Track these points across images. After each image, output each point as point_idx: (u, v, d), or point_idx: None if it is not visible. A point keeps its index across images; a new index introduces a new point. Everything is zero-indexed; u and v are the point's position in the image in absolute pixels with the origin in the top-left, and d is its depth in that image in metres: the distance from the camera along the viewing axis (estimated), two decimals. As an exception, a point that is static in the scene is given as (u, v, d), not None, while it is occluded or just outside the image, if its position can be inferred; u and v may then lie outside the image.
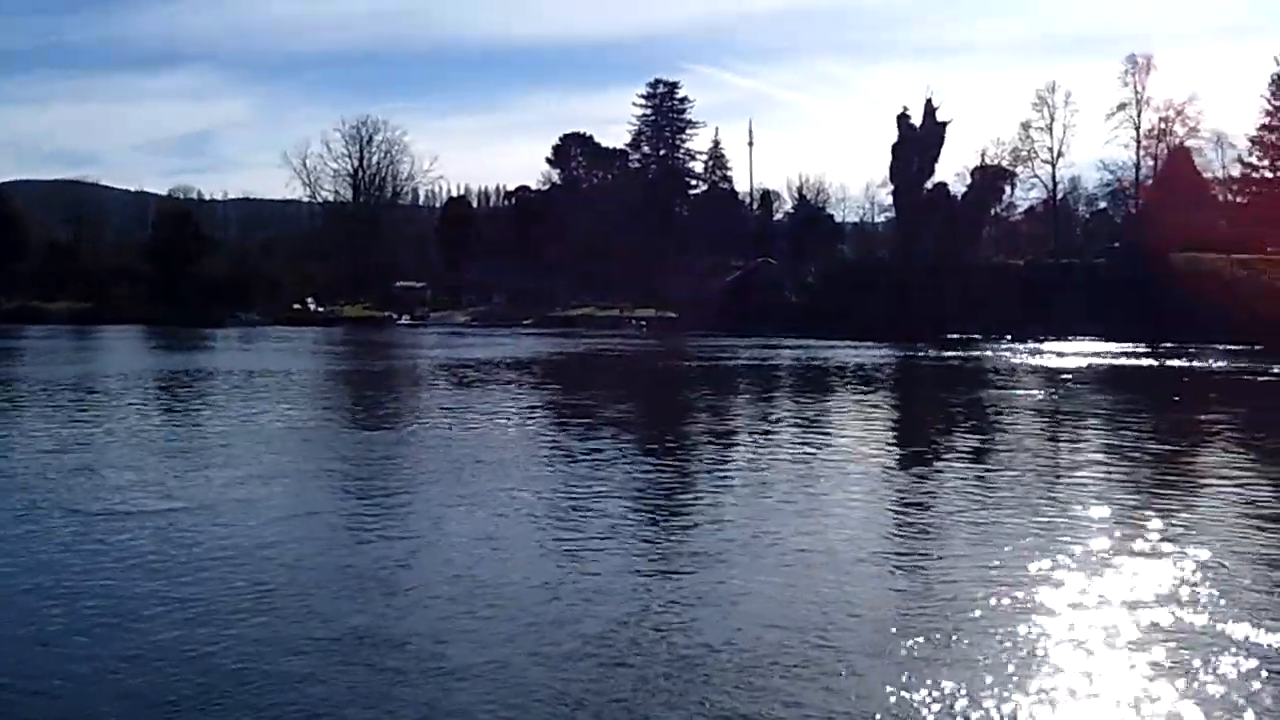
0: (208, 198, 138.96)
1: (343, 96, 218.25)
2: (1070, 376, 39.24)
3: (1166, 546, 12.14)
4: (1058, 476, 17.76)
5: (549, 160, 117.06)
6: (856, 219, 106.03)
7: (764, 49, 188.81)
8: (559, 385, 36.89)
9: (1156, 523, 13.37)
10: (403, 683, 8.07)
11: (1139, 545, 12.23)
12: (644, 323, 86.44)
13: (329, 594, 10.34)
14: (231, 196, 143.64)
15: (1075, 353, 52.92)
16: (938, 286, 76.11)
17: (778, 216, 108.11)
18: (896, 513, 14.52)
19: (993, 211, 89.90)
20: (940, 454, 20.66)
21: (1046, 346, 58.33)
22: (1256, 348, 54.09)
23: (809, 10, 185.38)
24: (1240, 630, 9.24)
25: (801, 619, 9.62)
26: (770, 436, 22.77)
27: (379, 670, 8.33)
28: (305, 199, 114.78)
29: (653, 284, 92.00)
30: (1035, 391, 33.55)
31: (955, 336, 65.91)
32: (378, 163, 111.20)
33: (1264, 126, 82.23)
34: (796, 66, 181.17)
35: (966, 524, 13.60)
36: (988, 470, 18.35)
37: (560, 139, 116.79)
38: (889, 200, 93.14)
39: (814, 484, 16.50)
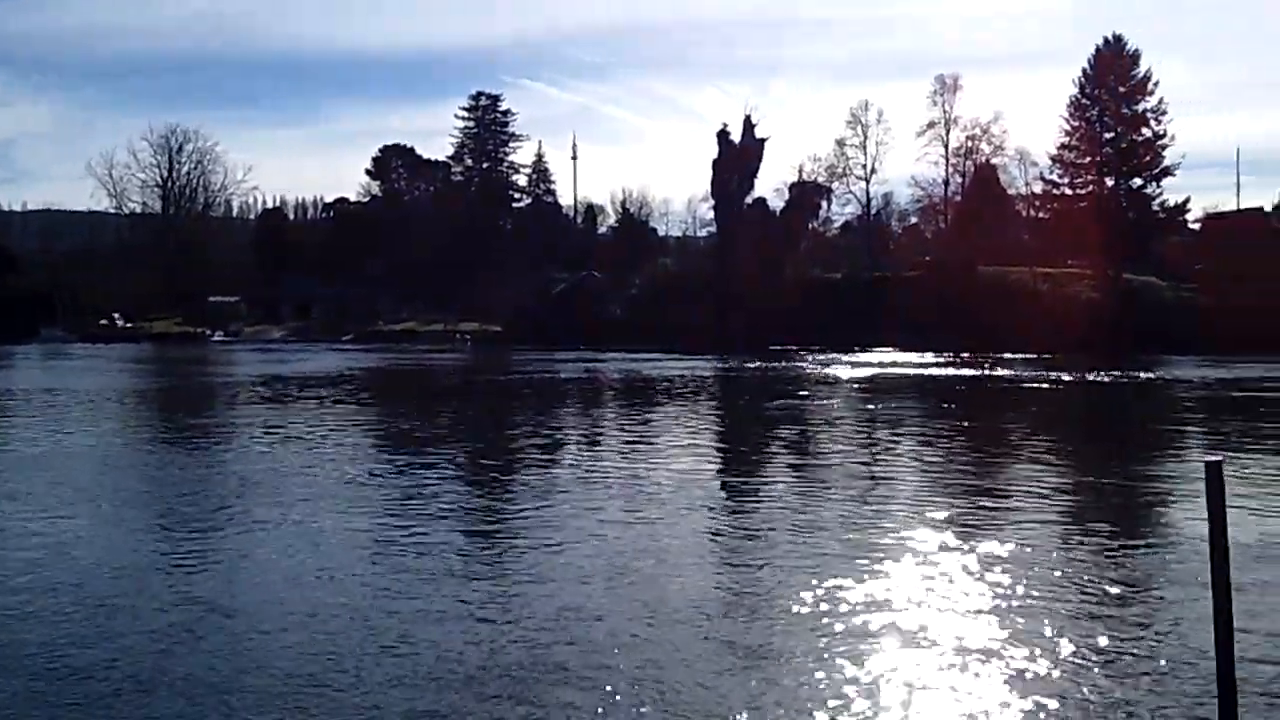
0: (5, 209, 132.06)
1: (152, 105, 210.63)
2: (865, 386, 40.61)
3: (908, 536, 12.45)
4: (824, 477, 18.14)
5: (369, 172, 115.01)
6: (679, 233, 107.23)
7: (587, 64, 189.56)
8: (374, 402, 36.12)
9: (888, 517, 13.81)
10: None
11: (858, 530, 12.49)
12: (468, 337, 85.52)
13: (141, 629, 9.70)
14: (32, 208, 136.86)
15: (881, 363, 54.49)
16: (758, 299, 77.32)
17: (601, 230, 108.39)
18: (710, 520, 14.57)
19: (810, 226, 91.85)
20: (742, 461, 21.11)
21: (858, 358, 59.90)
22: (1045, 357, 56.56)
23: (631, 27, 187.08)
24: (1027, 618, 9.49)
25: (625, 623, 9.49)
26: (585, 449, 22.72)
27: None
28: (112, 210, 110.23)
29: (477, 298, 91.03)
30: (831, 400, 34.60)
31: (775, 348, 67.06)
32: (188, 173, 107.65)
33: (1063, 145, 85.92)
34: (619, 82, 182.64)
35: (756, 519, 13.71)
36: (776, 474, 18.70)
37: (380, 151, 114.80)
38: (710, 214, 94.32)
39: (632, 494, 16.41)
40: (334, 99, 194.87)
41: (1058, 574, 11.39)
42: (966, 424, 28.20)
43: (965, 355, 59.04)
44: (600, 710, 7.78)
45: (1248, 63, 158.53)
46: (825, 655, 8.91)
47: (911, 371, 48.36)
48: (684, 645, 9.24)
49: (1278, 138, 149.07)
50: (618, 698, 7.98)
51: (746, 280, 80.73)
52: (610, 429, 27.69)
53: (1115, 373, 45.16)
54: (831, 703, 7.88)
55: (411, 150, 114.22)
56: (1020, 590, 10.76)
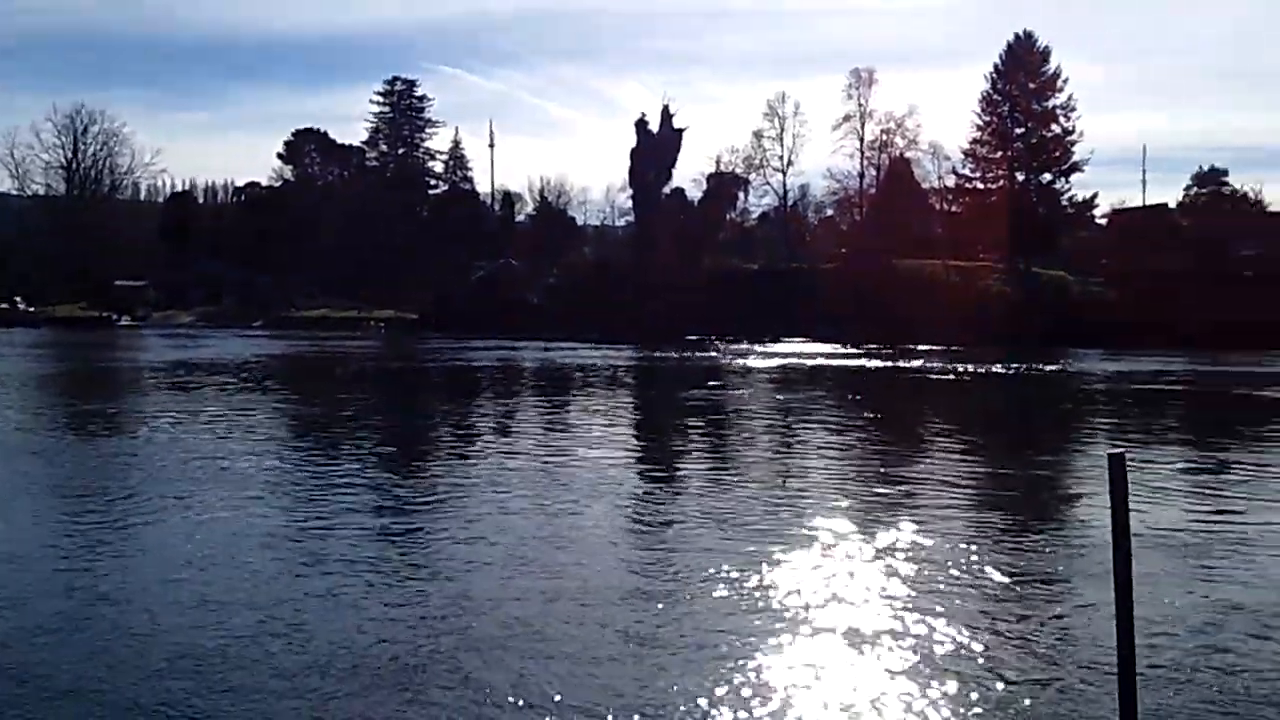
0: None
1: (57, 85, 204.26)
2: (778, 376, 40.88)
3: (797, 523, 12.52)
4: (734, 463, 18.18)
5: (281, 156, 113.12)
6: (598, 222, 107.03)
7: (505, 52, 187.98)
8: (281, 389, 35.46)
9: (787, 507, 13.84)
10: None
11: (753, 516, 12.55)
12: (383, 324, 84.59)
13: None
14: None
15: (795, 354, 54.82)
16: (675, 289, 77.47)
17: (519, 218, 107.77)
18: (618, 509, 14.47)
19: (727, 217, 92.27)
20: (652, 450, 21.18)
21: (773, 348, 60.23)
22: (954, 349, 57.41)
23: (550, 15, 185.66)
24: (934, 600, 9.51)
25: (520, 611, 9.38)
26: (495, 437, 22.56)
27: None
28: (14, 192, 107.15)
29: (392, 285, 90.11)
30: (744, 390, 34.66)
31: (692, 338, 67.21)
32: (94, 155, 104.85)
33: (975, 140, 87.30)
34: (538, 71, 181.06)
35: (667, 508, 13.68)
36: (685, 463, 18.74)
37: (293, 134, 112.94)
38: (629, 204, 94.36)
39: (540, 483, 16.27)
40: (246, 81, 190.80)
41: (960, 563, 11.45)
42: (873, 414, 28.45)
43: (877, 346, 59.66)
44: (481, 697, 7.66)
45: (1154, 62, 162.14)
46: (720, 643, 8.84)
47: (824, 362, 48.73)
48: (579, 633, 9.13)
49: (1182, 136, 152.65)
50: (500, 685, 7.86)
51: (664, 270, 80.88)
52: (522, 417, 27.54)
53: (1019, 365, 45.93)
54: (719, 689, 7.82)
55: (325, 135, 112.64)
56: (921, 579, 10.79)
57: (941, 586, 10.57)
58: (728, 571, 10.98)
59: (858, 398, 33.19)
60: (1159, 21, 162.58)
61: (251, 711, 7.46)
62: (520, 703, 7.58)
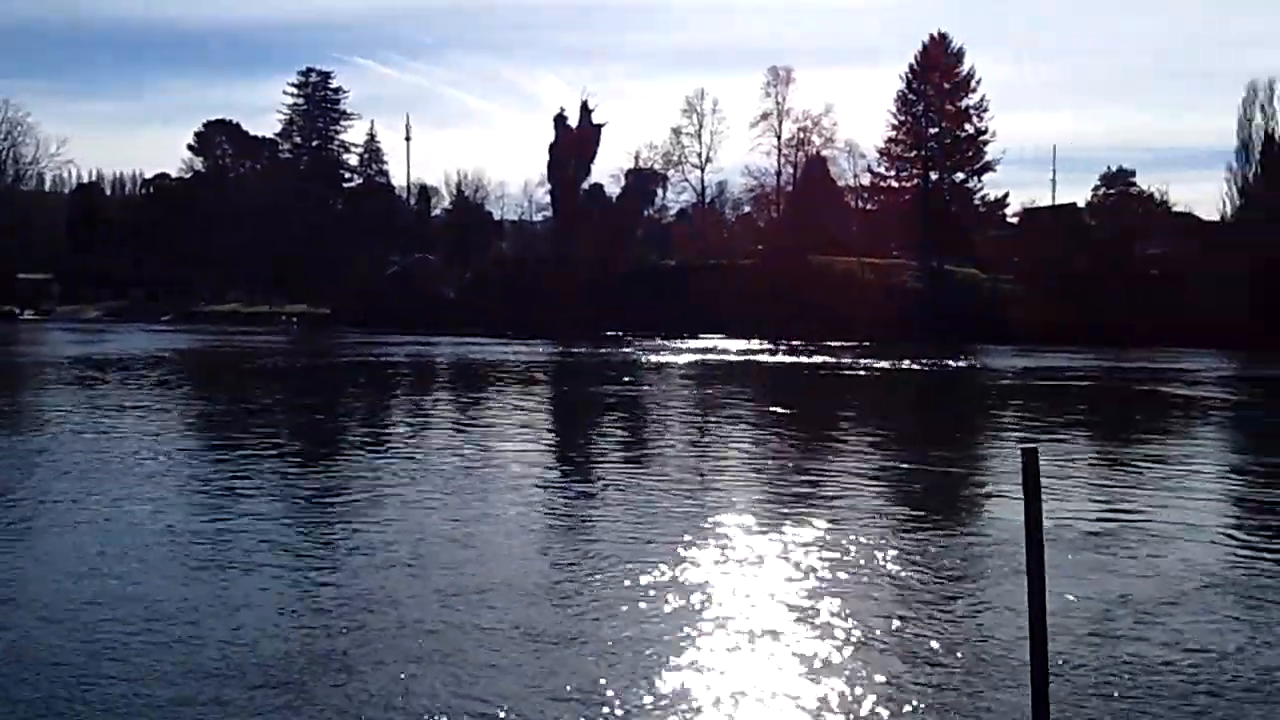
0: None
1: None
2: (694, 372, 41.09)
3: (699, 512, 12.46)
4: (640, 455, 18.10)
5: (192, 148, 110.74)
6: (515, 217, 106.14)
7: (423, 44, 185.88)
8: (184, 384, 34.70)
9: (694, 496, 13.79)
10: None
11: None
12: (295, 319, 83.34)
13: None
14: None
15: (711, 350, 55.02)
16: (594, 285, 77.29)
17: (436, 212, 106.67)
18: (526, 506, 14.27)
19: (646, 213, 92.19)
20: (564, 447, 21.11)
21: (690, 344, 60.35)
22: (865, 345, 58.02)
23: (469, 8, 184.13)
24: (847, 597, 9.50)
25: (420, 610, 9.15)
26: (405, 434, 22.24)
27: None
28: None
29: (306, 279, 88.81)
30: (659, 386, 34.80)
31: (609, 334, 67.11)
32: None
33: (890, 139, 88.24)
34: (456, 64, 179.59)
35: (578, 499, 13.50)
36: (596, 460, 18.69)
37: (204, 126, 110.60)
38: (547, 199, 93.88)
39: (449, 480, 15.99)
40: (155, 71, 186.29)
41: (870, 559, 11.46)
42: (783, 410, 28.57)
43: (792, 343, 60.05)
44: (366, 698, 7.46)
45: (1065, 64, 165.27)
46: (619, 640, 8.74)
47: (738, 358, 48.89)
48: (478, 631, 8.96)
49: (1091, 137, 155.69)
50: (387, 686, 7.67)
51: (582, 266, 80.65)
52: (430, 414, 27.21)
53: (929, 361, 46.48)
54: (611, 687, 7.70)
55: (237, 126, 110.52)
56: (830, 575, 10.80)
57: (845, 580, 10.61)
58: (633, 568, 10.92)
59: (770, 392, 33.32)
60: (1071, 24, 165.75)
61: (131, 714, 7.18)
62: (405, 704, 7.39)
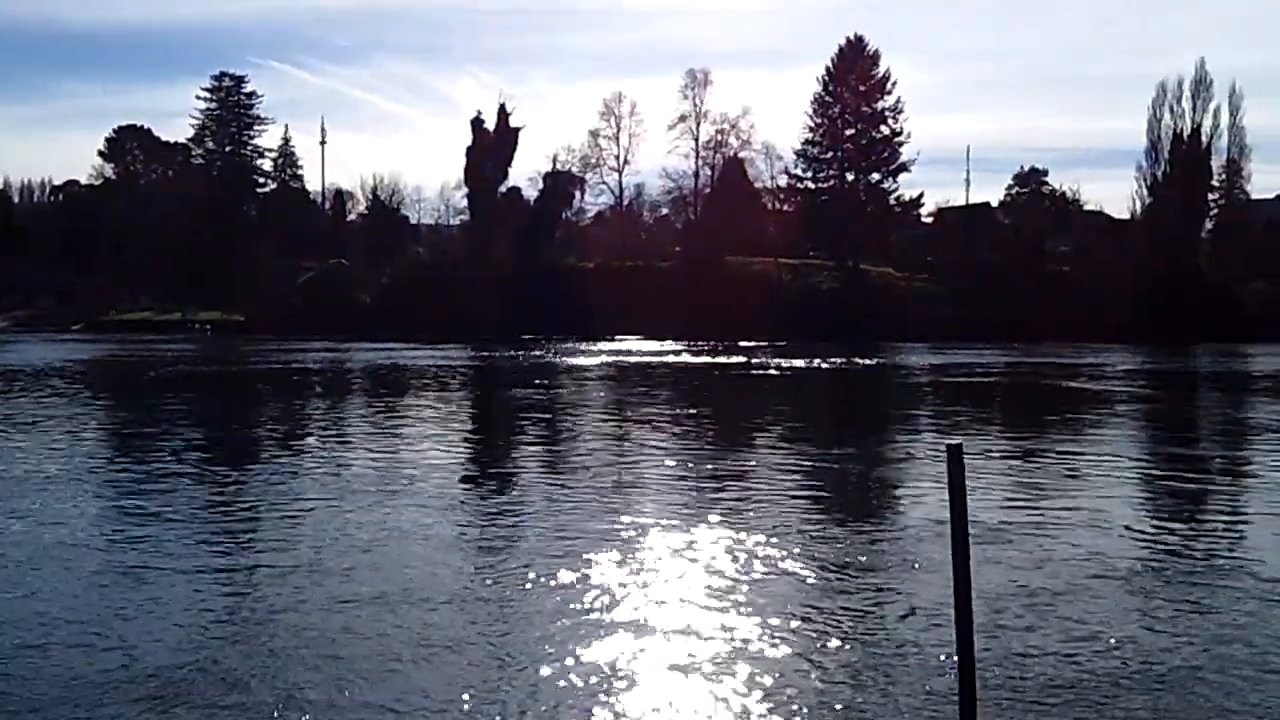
0: None
1: None
2: (612, 374, 41.27)
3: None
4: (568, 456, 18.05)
5: (102, 154, 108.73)
6: (432, 221, 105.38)
7: (337, 47, 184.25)
8: (88, 395, 33.87)
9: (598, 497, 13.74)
10: None
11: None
12: (208, 327, 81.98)
13: None
14: None
15: (628, 351, 55.08)
16: (512, 288, 76.99)
17: (351, 217, 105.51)
18: (436, 514, 14.05)
19: (564, 215, 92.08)
20: (478, 452, 20.90)
21: (606, 346, 60.32)
22: (779, 344, 58.44)
23: (384, 11, 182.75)
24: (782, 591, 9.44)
25: (311, 620, 8.94)
26: (311, 441, 21.88)
27: None
28: None
29: (220, 286, 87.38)
30: (577, 389, 34.88)
31: (527, 337, 66.86)
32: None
33: (807, 141, 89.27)
34: (371, 67, 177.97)
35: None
36: (511, 464, 18.55)
37: (115, 131, 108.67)
38: (464, 203, 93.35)
39: (356, 488, 15.75)
40: (65, 75, 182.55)
41: (791, 559, 11.41)
42: (691, 411, 28.66)
43: (707, 343, 60.31)
44: (257, 704, 7.28)
45: (979, 66, 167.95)
46: (519, 646, 8.64)
47: (655, 360, 48.93)
48: (373, 640, 8.78)
49: (1005, 137, 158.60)
50: (274, 696, 7.48)
51: (499, 269, 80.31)
52: (339, 421, 26.84)
53: (840, 360, 46.93)
54: (509, 695, 7.60)
55: (148, 131, 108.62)
56: (737, 575, 10.73)
57: (758, 580, 10.54)
58: (536, 574, 10.78)
59: (685, 393, 33.42)
60: (984, 27, 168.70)
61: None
62: (292, 714, 7.20)
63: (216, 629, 9.06)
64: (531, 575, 10.66)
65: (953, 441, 5.60)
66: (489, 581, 10.59)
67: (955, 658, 5.67)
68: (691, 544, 11.97)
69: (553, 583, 10.38)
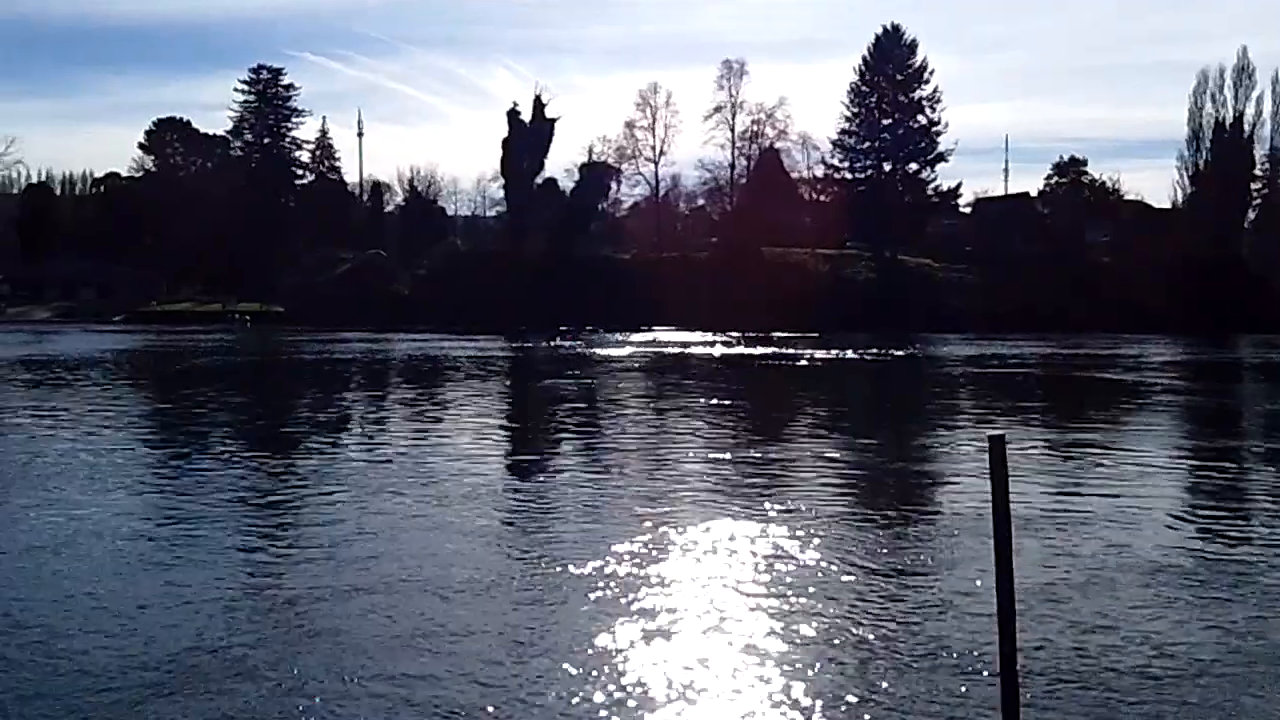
0: None
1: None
2: (649, 365, 41.40)
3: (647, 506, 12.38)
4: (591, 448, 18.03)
5: (143, 147, 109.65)
6: (469, 212, 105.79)
7: (373, 40, 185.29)
8: (130, 385, 34.23)
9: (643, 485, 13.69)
10: None
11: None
12: (248, 318, 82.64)
13: None
14: None
15: (666, 342, 55.05)
16: (549, 279, 77.10)
17: (389, 209, 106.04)
18: (471, 502, 14.08)
19: (600, 206, 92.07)
20: (516, 442, 20.97)
21: (643, 337, 60.36)
22: (811, 335, 58.19)
23: (420, 3, 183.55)
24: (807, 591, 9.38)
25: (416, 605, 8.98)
26: (346, 432, 22.04)
27: None
28: None
29: (259, 277, 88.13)
30: (615, 380, 34.87)
31: (564, 328, 66.94)
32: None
33: (844, 131, 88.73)
34: (407, 59, 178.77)
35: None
36: (550, 456, 18.62)
37: (155, 124, 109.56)
38: (500, 194, 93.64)
39: (389, 477, 15.80)
40: (105, 69, 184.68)
41: (822, 551, 11.25)
42: (730, 402, 28.56)
43: (745, 334, 60.15)
44: (266, 692, 7.29)
45: (1018, 55, 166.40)
46: (550, 636, 8.59)
47: (690, 350, 48.86)
48: (390, 626, 8.79)
49: (1042, 126, 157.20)
50: (278, 685, 7.49)
51: (536, 260, 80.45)
52: (376, 412, 27.00)
53: (873, 351, 46.70)
54: (534, 681, 7.57)
55: (188, 124, 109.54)
56: (781, 569, 10.56)
57: (814, 577, 10.34)
58: (563, 564, 10.74)
59: (712, 385, 33.37)
60: (1023, 16, 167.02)
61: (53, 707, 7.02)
62: (299, 700, 7.22)
63: (231, 616, 9.07)
64: (555, 568, 10.59)
65: (994, 433, 5.51)
66: (510, 572, 10.54)
67: (997, 651, 5.56)
68: (722, 536, 11.83)
69: (577, 574, 10.29)
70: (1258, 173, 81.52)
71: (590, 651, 8.15)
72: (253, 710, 7.09)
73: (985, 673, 7.65)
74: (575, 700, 7.25)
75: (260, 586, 10.07)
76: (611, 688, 7.47)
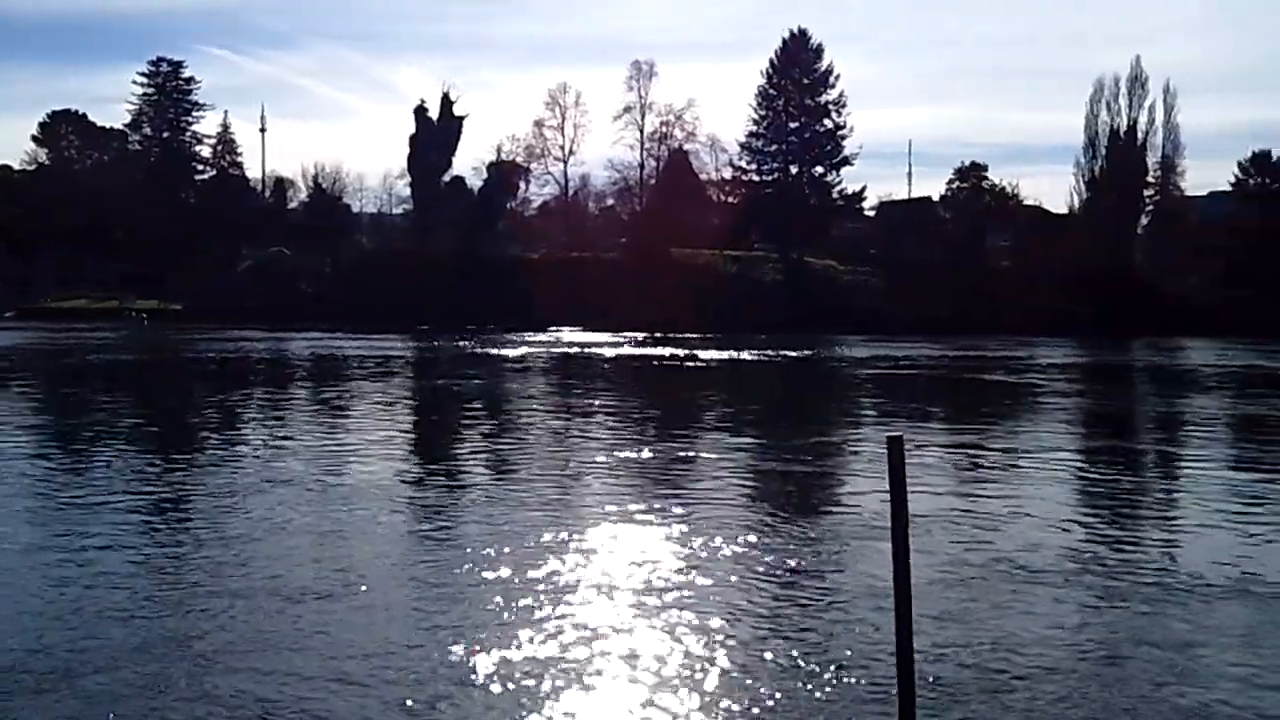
0: None
1: None
2: (551, 365, 41.44)
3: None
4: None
5: (36, 139, 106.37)
6: (375, 209, 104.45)
7: (277, 32, 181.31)
8: (18, 381, 33.24)
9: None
10: None
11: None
12: (145, 315, 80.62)
13: None
14: None
15: (571, 343, 54.95)
16: (456, 278, 76.49)
17: (292, 205, 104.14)
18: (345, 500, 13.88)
19: (508, 206, 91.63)
20: (411, 442, 20.75)
21: (552, 337, 60.33)
22: (714, 335, 58.53)
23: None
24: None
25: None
26: (237, 435, 21.64)
27: None
28: None
29: (158, 274, 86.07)
30: (517, 380, 34.87)
31: (470, 327, 66.46)
32: None
33: (751, 134, 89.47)
34: (312, 53, 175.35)
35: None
36: (441, 458, 18.53)
37: (49, 116, 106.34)
38: (407, 192, 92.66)
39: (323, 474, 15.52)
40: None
41: (719, 551, 11.27)
42: (625, 402, 28.64)
43: (651, 334, 60.30)
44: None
45: (921, 61, 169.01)
46: (443, 641, 8.50)
47: (592, 351, 48.78)
48: (255, 628, 8.60)
49: (946, 130, 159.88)
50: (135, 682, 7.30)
51: (442, 258, 79.79)
52: (271, 412, 26.52)
53: (769, 352, 47.10)
54: (415, 688, 7.45)
55: (84, 117, 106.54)
56: (678, 569, 10.57)
57: (710, 578, 10.34)
58: (460, 565, 10.69)
59: (605, 387, 33.43)
60: (926, 22, 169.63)
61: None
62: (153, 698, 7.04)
63: (78, 619, 8.84)
64: (455, 570, 10.48)
65: (893, 434, 5.56)
66: (405, 574, 10.43)
67: (894, 650, 5.60)
68: (618, 538, 11.81)
69: (477, 578, 10.19)
70: (1150, 180, 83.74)
71: (464, 659, 8.06)
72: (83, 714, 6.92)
73: (873, 668, 7.74)
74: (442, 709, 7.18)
75: (135, 588, 9.81)
76: (482, 694, 7.40)
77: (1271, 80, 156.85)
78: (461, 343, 53.58)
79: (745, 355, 45.48)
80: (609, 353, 47.79)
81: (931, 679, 7.55)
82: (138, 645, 8.24)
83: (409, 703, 7.21)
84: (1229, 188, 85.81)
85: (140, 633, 8.54)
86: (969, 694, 7.38)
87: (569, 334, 63.14)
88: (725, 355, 45.46)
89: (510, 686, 7.48)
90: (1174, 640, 8.63)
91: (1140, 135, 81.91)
